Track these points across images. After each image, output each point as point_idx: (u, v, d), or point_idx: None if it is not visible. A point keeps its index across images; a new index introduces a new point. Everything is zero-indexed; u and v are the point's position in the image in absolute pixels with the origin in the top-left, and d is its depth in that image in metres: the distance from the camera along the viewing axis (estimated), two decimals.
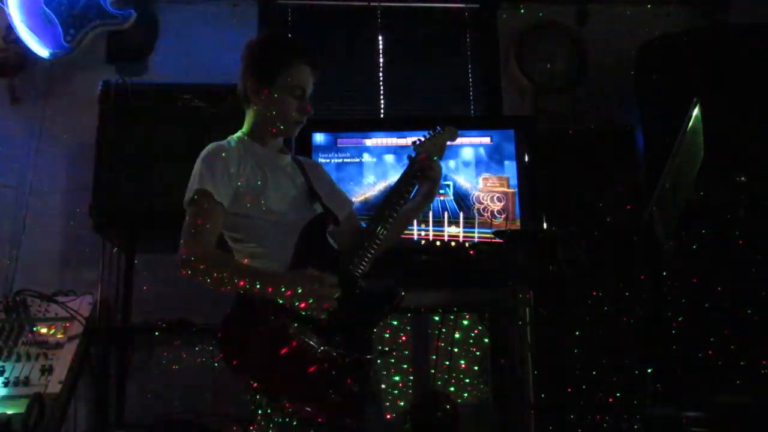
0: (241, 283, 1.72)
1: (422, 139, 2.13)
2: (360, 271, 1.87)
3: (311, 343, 1.72)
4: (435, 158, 2.11)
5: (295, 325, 1.73)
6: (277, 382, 1.67)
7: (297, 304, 1.70)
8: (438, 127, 2.18)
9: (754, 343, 2.63)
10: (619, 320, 2.77)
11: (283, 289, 1.70)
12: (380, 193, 3.16)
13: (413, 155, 2.09)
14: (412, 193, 2.06)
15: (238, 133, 2.06)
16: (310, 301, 1.70)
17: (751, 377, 2.59)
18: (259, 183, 1.94)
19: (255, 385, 1.69)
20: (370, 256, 1.89)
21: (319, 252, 1.91)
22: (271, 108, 1.99)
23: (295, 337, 1.72)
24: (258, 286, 1.71)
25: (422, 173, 2.06)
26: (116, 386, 3.05)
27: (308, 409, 1.68)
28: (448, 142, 2.19)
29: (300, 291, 1.70)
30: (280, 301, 1.71)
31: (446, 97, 3.85)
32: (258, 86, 1.99)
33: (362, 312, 1.83)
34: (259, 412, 1.74)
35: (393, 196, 2.00)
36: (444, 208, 3.13)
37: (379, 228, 1.93)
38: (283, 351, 1.70)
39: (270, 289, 1.71)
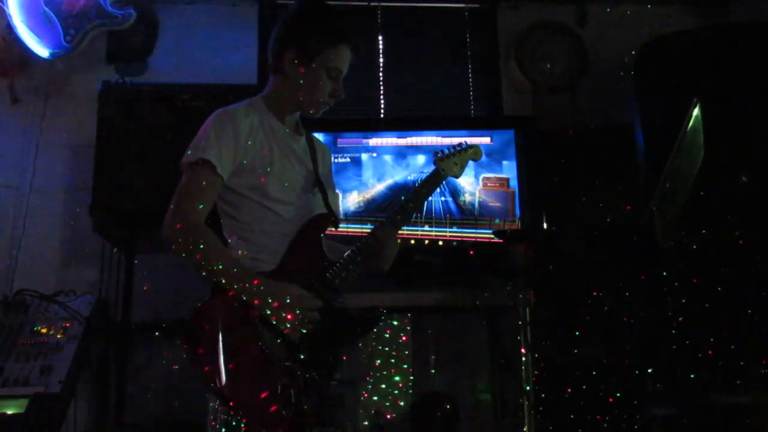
0: (226, 279, 1.68)
1: (445, 152, 2.03)
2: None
3: (275, 355, 1.68)
4: (451, 176, 2.04)
5: (266, 336, 1.68)
6: (232, 390, 1.61)
7: (269, 312, 1.68)
8: (464, 143, 2.09)
9: (754, 343, 2.63)
10: (619, 320, 2.76)
11: (257, 294, 1.68)
12: (380, 193, 3.16)
13: (434, 167, 2.01)
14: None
15: (257, 97, 1.95)
16: (293, 314, 1.69)
17: (751, 377, 2.59)
18: (265, 166, 1.84)
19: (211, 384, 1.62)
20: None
21: (311, 257, 1.86)
22: (303, 83, 1.88)
23: (259, 347, 1.67)
24: (235, 286, 1.68)
25: (366, 245, 1.86)
26: (116, 386, 3.05)
27: (260, 422, 1.63)
28: (471, 162, 2.10)
29: (269, 300, 1.68)
30: (268, 311, 1.68)
31: (446, 96, 3.85)
32: (296, 58, 1.87)
33: (336, 331, 1.79)
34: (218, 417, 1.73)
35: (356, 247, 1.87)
36: (445, 209, 3.13)
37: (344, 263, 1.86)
38: (244, 359, 1.64)
39: (250, 296, 1.69)
